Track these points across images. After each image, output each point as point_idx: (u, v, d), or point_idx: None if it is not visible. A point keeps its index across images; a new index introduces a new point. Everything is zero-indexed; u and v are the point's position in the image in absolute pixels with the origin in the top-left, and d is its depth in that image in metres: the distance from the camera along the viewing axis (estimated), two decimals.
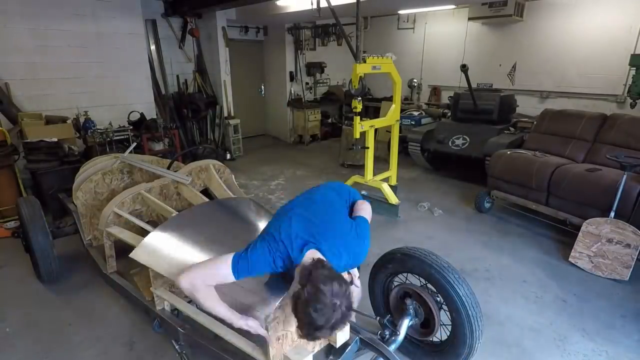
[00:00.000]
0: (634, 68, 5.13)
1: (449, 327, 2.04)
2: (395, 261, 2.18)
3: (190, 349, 2.15)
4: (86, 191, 3.11)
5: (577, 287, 3.15)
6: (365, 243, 1.78)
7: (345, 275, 1.65)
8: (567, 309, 2.88)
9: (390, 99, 6.55)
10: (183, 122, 6.99)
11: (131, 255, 2.12)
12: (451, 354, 2.06)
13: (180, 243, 2.07)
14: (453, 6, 7.04)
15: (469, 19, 7.07)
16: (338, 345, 1.85)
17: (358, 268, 1.91)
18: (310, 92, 8.93)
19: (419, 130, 6.02)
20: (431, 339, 2.17)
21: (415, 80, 8.46)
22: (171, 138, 5.92)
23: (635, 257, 3.18)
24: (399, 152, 5.18)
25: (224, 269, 1.58)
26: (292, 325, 1.69)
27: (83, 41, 5.42)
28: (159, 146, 5.70)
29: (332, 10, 4.20)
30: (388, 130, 5.40)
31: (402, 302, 2.18)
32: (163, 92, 6.85)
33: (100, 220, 2.73)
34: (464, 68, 5.32)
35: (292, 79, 8.39)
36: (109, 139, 5.01)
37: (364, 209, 1.95)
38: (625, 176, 3.36)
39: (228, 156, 7.18)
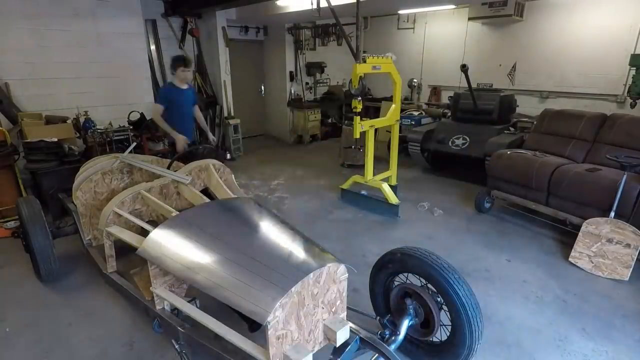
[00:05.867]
0: (634, 68, 5.14)
1: (449, 328, 2.04)
2: (395, 261, 2.19)
3: (190, 349, 2.14)
4: (86, 191, 3.12)
5: (577, 287, 3.15)
6: None
7: None
8: (567, 309, 2.88)
9: (390, 99, 6.56)
10: None
11: (138, 252, 2.12)
12: (451, 354, 2.06)
13: (184, 241, 2.07)
14: (453, 6, 7.05)
15: (469, 19, 7.08)
16: (338, 344, 1.85)
17: None
18: (310, 92, 8.93)
19: (419, 130, 6.02)
20: (431, 339, 2.17)
21: (415, 80, 8.47)
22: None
23: (635, 257, 3.18)
24: (399, 152, 5.18)
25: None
26: (293, 324, 1.69)
27: (83, 41, 5.42)
28: (158, 146, 5.70)
29: (332, 10, 4.20)
30: (388, 130, 5.40)
31: (402, 302, 2.18)
32: None
33: (100, 220, 2.73)
34: (464, 68, 5.32)
35: (292, 79, 8.39)
36: (109, 139, 5.01)
37: None
38: (625, 176, 3.37)
39: (228, 156, 7.18)
